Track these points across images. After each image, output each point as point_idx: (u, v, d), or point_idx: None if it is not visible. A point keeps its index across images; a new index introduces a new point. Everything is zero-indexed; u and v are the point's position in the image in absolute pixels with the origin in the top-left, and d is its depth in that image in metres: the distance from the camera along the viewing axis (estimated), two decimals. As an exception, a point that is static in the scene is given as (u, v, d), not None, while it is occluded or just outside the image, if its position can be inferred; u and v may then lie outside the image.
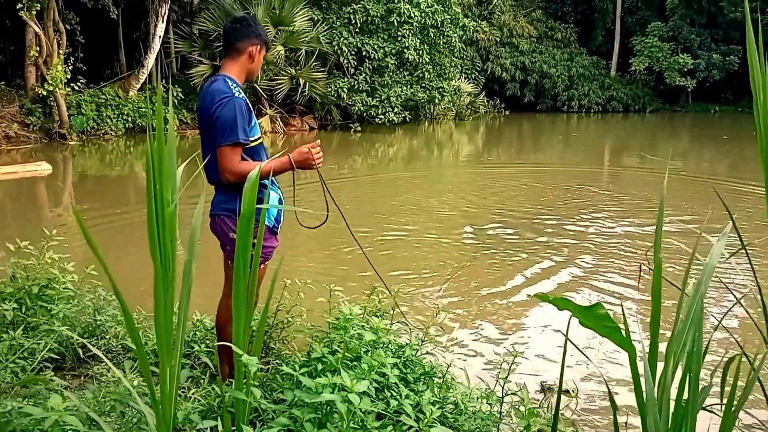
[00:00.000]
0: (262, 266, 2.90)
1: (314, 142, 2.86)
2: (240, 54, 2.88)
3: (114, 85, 16.33)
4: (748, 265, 2.04)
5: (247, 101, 2.81)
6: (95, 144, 14.62)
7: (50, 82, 13.68)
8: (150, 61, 15.68)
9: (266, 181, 2.75)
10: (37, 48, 14.10)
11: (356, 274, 5.33)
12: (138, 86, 16.17)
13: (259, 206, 2.00)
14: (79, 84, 15.01)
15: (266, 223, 2.85)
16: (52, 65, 13.75)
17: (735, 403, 1.76)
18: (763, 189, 1.79)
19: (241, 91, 2.81)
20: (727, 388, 1.83)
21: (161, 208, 1.53)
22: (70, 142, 14.32)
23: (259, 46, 2.92)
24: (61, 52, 14.24)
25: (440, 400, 2.46)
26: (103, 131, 15.26)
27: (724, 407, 1.74)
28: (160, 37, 15.57)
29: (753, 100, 1.66)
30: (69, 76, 14.25)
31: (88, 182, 11.06)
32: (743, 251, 2.04)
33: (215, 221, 2.87)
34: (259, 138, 2.87)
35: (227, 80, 2.82)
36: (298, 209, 2.43)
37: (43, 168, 10.81)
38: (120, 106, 15.66)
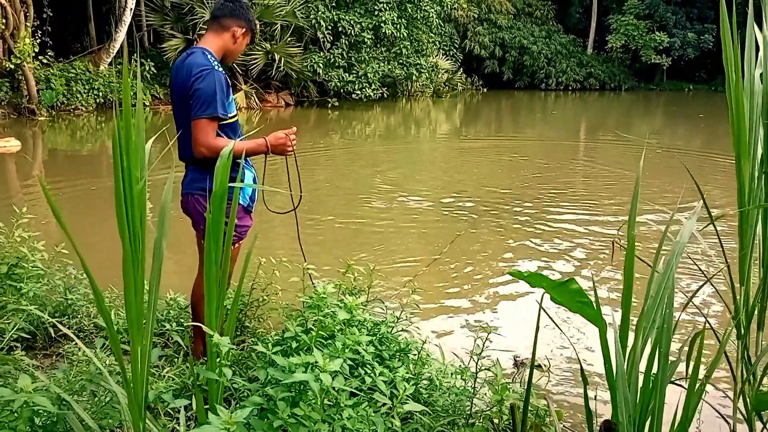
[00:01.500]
0: (236, 245, 2.88)
1: (291, 129, 2.85)
2: (224, 30, 2.82)
3: (84, 59, 15.93)
4: (726, 244, 2.07)
5: (227, 77, 2.77)
6: (65, 120, 14.30)
7: (17, 55, 13.29)
8: (121, 34, 15.31)
9: (240, 160, 2.72)
10: (3, 20, 13.67)
11: (331, 252, 5.33)
12: (109, 60, 15.80)
13: (231, 185, 1.97)
14: (47, 57, 14.61)
15: (240, 202, 2.82)
16: (19, 38, 13.36)
17: (701, 377, 1.79)
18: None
19: (219, 65, 2.76)
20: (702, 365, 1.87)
21: (129, 185, 1.50)
22: (40, 118, 13.99)
23: (244, 30, 2.86)
24: (28, 24, 13.84)
25: (415, 376, 2.48)
26: (73, 106, 14.92)
27: (687, 382, 1.78)
28: (131, 9, 15.18)
29: (725, 79, 1.67)
30: (37, 50, 13.86)
31: (58, 158, 10.83)
32: (714, 230, 2.07)
33: (188, 200, 2.82)
34: (236, 115, 2.83)
35: (206, 53, 2.76)
36: (271, 188, 2.40)
37: (12, 144, 10.55)
38: (90, 81, 15.30)
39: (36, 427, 1.76)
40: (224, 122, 2.73)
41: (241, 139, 2.80)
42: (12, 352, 2.83)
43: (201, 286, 2.79)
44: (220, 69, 2.72)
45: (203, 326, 1.76)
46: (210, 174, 2.59)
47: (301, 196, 3.10)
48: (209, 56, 2.75)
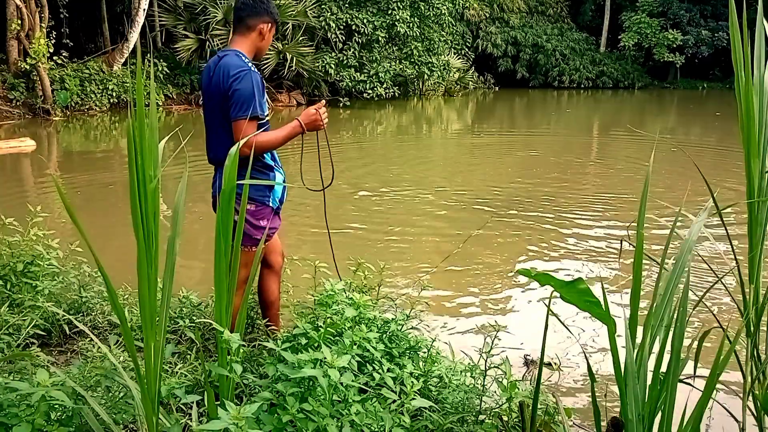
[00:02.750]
0: (266, 245, 2.96)
1: (320, 102, 2.91)
2: (250, 31, 2.86)
3: (98, 60, 16.07)
4: (735, 242, 2.07)
5: (262, 77, 2.82)
6: (80, 120, 14.44)
7: (33, 56, 13.44)
8: (134, 34, 15.42)
9: (271, 162, 2.84)
10: (19, 21, 13.83)
11: (343, 252, 5.35)
12: (122, 61, 15.93)
13: (240, 182, 1.99)
14: (62, 58, 14.76)
15: (270, 204, 2.89)
16: (35, 39, 13.51)
17: (711, 376, 1.79)
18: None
19: (254, 66, 2.81)
20: (708, 363, 1.87)
21: (143, 183, 1.53)
22: (54, 118, 14.14)
23: (270, 24, 2.90)
24: (43, 25, 13.98)
25: (424, 373, 2.49)
26: (87, 107, 15.07)
27: (705, 379, 1.78)
28: (144, 10, 15.29)
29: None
30: (52, 50, 14.01)
31: (72, 158, 10.94)
32: (723, 226, 2.06)
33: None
34: (267, 115, 2.89)
35: (239, 55, 2.81)
36: (291, 185, 2.43)
37: (27, 144, 10.69)
38: (104, 81, 15.44)
39: (52, 420, 1.80)
40: (261, 122, 2.79)
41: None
42: (28, 348, 2.88)
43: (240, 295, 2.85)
44: (255, 69, 2.78)
45: (213, 322, 1.78)
46: (257, 176, 2.76)
47: (333, 173, 3.12)
48: (243, 57, 2.79)
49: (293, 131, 2.81)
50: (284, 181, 2.97)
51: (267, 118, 2.85)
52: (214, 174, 2.94)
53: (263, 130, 2.80)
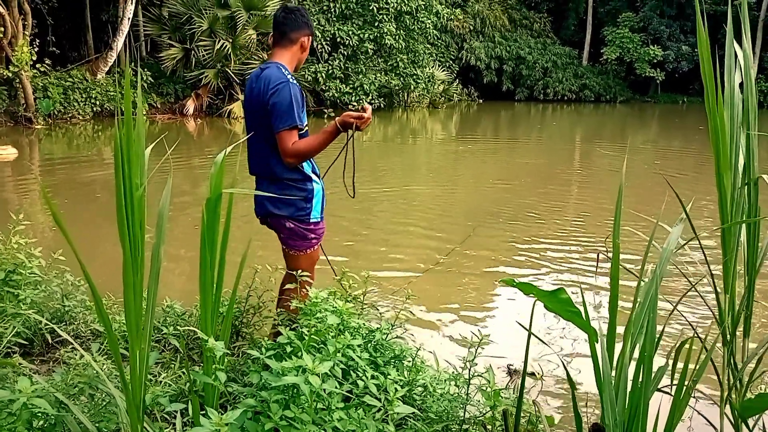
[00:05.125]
0: (316, 248, 3.07)
1: (367, 107, 2.91)
2: (293, 44, 2.95)
3: (81, 68, 16.00)
4: (711, 251, 2.12)
5: (301, 89, 2.89)
6: (62, 128, 14.33)
7: (15, 63, 13.35)
8: (119, 43, 15.39)
9: (310, 173, 2.94)
10: (2, 28, 13.73)
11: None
12: (106, 69, 15.87)
13: (228, 190, 2.00)
14: (45, 66, 14.66)
15: (312, 220, 2.99)
16: (18, 46, 13.42)
17: (686, 384, 1.83)
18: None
19: (294, 78, 2.88)
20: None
21: (130, 191, 1.54)
22: (37, 126, 14.02)
23: (310, 37, 3.01)
24: (26, 33, 13.90)
25: (409, 382, 2.51)
26: (70, 115, 14.97)
27: (674, 388, 1.82)
28: (129, 19, 15.27)
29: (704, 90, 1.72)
30: (35, 58, 13.91)
31: (55, 166, 10.85)
32: (698, 240, 2.12)
33: (275, 220, 2.98)
34: (307, 125, 2.97)
35: (280, 67, 2.88)
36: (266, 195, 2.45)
37: (9, 152, 10.58)
38: (88, 90, 15.36)
39: (35, 429, 1.79)
40: (301, 132, 2.86)
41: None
42: (9, 357, 2.85)
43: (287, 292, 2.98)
44: (295, 81, 2.85)
45: (198, 330, 1.79)
46: (287, 187, 2.86)
47: (354, 176, 3.19)
48: (284, 70, 2.88)
49: (330, 131, 2.85)
50: (323, 191, 3.04)
51: (306, 128, 2.92)
52: (256, 187, 3.01)
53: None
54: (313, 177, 2.99)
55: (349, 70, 19.00)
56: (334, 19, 18.43)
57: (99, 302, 1.63)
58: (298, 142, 2.81)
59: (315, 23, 18.03)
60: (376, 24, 18.60)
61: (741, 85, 1.75)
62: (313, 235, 3.00)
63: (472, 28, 26.68)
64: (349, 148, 3.02)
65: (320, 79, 18.28)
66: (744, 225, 1.79)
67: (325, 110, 18.78)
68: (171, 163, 2.53)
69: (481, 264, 5.65)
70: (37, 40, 14.71)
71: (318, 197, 3.01)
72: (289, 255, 3.06)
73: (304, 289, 2.86)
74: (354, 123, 2.83)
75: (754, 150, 1.86)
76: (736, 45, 1.70)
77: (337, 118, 2.88)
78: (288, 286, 2.97)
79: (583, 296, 2.02)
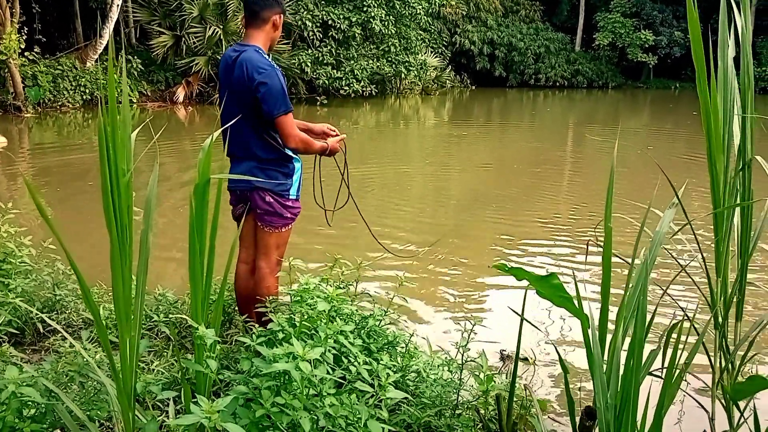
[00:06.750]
0: (289, 227, 3.10)
1: (341, 137, 3.23)
2: (265, 23, 2.92)
3: (71, 56, 15.82)
4: (701, 236, 2.12)
5: (283, 73, 2.92)
6: (52, 116, 14.20)
7: (3, 51, 13.18)
8: (108, 30, 15.20)
9: (291, 154, 2.99)
10: (-12, 16, 13.55)
11: (319, 248, 5.34)
12: (96, 57, 15.69)
13: (215, 176, 1.98)
14: (34, 54, 14.49)
15: (291, 196, 3.03)
16: (5, 34, 13.24)
17: (677, 367, 1.83)
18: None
19: (274, 62, 2.89)
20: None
21: (116, 178, 1.52)
22: (26, 115, 13.88)
23: (281, 15, 2.97)
24: (14, 20, 13.72)
25: (402, 368, 2.51)
26: (60, 103, 14.82)
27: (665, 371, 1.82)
28: (118, 5, 15.08)
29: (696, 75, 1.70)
30: (23, 46, 13.75)
31: (45, 154, 10.75)
32: (689, 223, 2.11)
33: (253, 194, 2.98)
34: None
35: (258, 51, 2.87)
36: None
37: (-2, 141, 10.48)
38: (77, 78, 15.20)
39: (25, 418, 1.78)
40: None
41: None
42: (-1, 347, 2.83)
43: (245, 277, 3.09)
44: (276, 66, 2.87)
45: (188, 318, 1.78)
46: (270, 165, 2.88)
47: (349, 192, 3.44)
48: (263, 54, 2.87)
49: (322, 149, 3.06)
50: (301, 172, 3.10)
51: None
52: (232, 167, 3.00)
53: None
54: (294, 156, 3.02)
55: (341, 56, 18.85)
56: (323, 2, 18.24)
57: (86, 290, 1.61)
58: (303, 134, 2.91)
59: (303, 9, 17.85)
60: (364, 9, 18.42)
61: (735, 61, 1.72)
62: (289, 214, 3.02)
63: (464, 13, 26.50)
64: (343, 170, 3.34)
65: (306, 68, 18.11)
66: (737, 209, 1.78)
67: (318, 98, 18.65)
68: (158, 147, 2.50)
69: (473, 249, 5.65)
70: (25, 28, 14.52)
71: (297, 175, 3.05)
72: (263, 232, 3.04)
73: (277, 269, 3.02)
74: (345, 149, 3.13)
75: (747, 132, 1.85)
76: (735, 12, 1.66)
77: (330, 145, 3.07)
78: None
79: (575, 282, 2.02)
